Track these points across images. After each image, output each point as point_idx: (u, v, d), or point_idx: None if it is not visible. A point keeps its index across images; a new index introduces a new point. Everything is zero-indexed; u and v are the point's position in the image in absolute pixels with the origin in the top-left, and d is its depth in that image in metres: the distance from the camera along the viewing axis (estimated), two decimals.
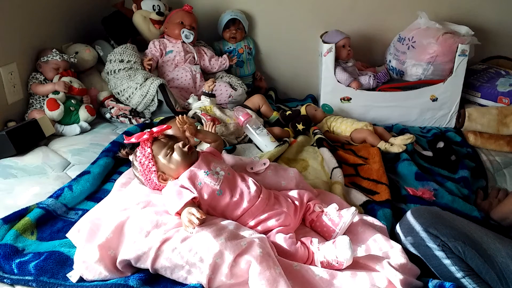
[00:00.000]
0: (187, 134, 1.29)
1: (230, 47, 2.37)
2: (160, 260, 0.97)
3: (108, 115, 1.98)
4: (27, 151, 1.58)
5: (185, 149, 1.16)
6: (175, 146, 1.17)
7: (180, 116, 1.30)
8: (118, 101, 2.01)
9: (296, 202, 1.17)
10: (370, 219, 1.19)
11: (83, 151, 1.62)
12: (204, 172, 1.12)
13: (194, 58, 2.20)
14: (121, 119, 1.96)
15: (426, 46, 1.99)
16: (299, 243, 1.05)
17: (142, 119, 1.97)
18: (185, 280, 0.96)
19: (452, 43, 1.94)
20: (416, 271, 1.02)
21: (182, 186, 1.10)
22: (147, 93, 1.92)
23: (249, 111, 1.83)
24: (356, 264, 1.01)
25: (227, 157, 1.37)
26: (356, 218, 1.17)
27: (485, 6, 2.23)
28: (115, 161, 1.52)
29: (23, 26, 1.84)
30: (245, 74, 2.40)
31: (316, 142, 1.74)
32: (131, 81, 1.95)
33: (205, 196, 1.09)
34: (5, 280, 0.99)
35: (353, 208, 1.13)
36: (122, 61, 2.01)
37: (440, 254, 1.00)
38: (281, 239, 1.04)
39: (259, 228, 1.09)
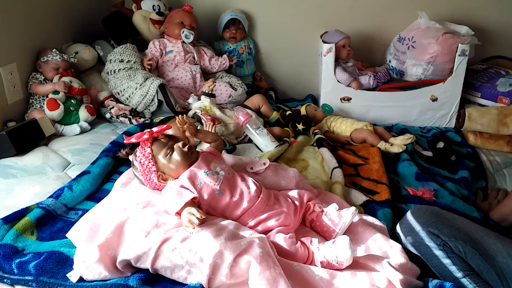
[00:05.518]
0: (187, 134, 1.29)
1: (230, 47, 2.37)
2: (160, 260, 0.97)
3: (108, 115, 1.98)
4: (27, 151, 1.58)
5: (185, 149, 1.16)
6: (175, 146, 1.17)
7: (180, 116, 1.30)
8: (118, 101, 2.01)
9: (296, 202, 1.17)
10: (370, 219, 1.19)
11: (83, 151, 1.62)
12: (204, 172, 1.12)
13: (194, 58, 2.20)
14: (121, 119, 1.96)
15: (426, 46, 1.99)
16: (299, 243, 1.05)
17: (142, 119, 1.97)
18: (185, 280, 0.96)
19: (452, 43, 1.94)
20: (416, 270, 1.02)
21: (182, 186, 1.10)
22: (147, 93, 1.92)
23: (249, 111, 1.83)
24: (356, 264, 1.01)
25: (227, 157, 1.37)
26: (356, 218, 1.17)
27: (485, 6, 2.23)
28: (115, 161, 1.52)
29: (23, 26, 1.84)
30: (245, 74, 2.40)
31: (316, 142, 1.74)
32: (131, 81, 1.95)
33: (205, 196, 1.09)
34: (5, 280, 0.99)
35: (353, 208, 1.13)
36: (122, 61, 2.01)
37: (440, 253, 0.99)
38: (281, 239, 1.04)
39: (259, 228, 1.09)
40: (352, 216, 1.12)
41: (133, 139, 1.17)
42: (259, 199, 1.12)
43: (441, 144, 1.79)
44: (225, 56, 2.29)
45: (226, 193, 1.11)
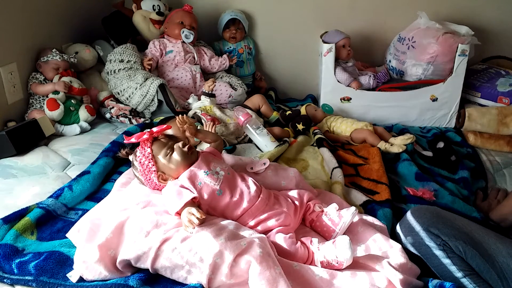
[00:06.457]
0: (187, 134, 1.29)
1: (230, 47, 2.37)
2: (160, 260, 0.97)
3: (108, 115, 1.98)
4: (27, 151, 1.57)
5: (185, 149, 1.16)
6: (175, 146, 1.17)
7: (180, 116, 1.30)
8: (118, 101, 2.01)
9: (296, 202, 1.17)
10: (370, 219, 1.19)
11: (83, 151, 1.62)
12: (204, 172, 1.12)
13: (194, 58, 2.20)
14: (121, 119, 1.96)
15: (426, 46, 1.99)
16: (299, 243, 1.05)
17: (142, 119, 1.97)
18: (185, 280, 0.96)
19: (452, 43, 1.94)
20: (416, 270, 1.02)
21: (182, 186, 1.10)
22: (147, 93, 1.92)
23: (249, 111, 1.83)
24: (356, 264, 1.01)
25: (227, 157, 1.37)
26: (356, 218, 1.17)
27: (485, 6, 2.23)
28: (115, 161, 1.52)
29: (23, 26, 1.84)
30: (245, 74, 2.40)
31: (316, 142, 1.74)
32: (131, 81, 1.95)
33: (205, 196, 1.09)
34: (5, 280, 0.99)
35: (353, 208, 1.13)
36: (122, 61, 2.01)
37: (440, 253, 0.99)
38: (281, 239, 1.04)
39: (259, 228, 1.09)
40: (352, 216, 1.12)
41: (133, 139, 1.17)
42: (259, 199, 1.12)
43: (441, 144, 1.79)
44: (225, 56, 2.29)
45: (226, 193, 1.11)
